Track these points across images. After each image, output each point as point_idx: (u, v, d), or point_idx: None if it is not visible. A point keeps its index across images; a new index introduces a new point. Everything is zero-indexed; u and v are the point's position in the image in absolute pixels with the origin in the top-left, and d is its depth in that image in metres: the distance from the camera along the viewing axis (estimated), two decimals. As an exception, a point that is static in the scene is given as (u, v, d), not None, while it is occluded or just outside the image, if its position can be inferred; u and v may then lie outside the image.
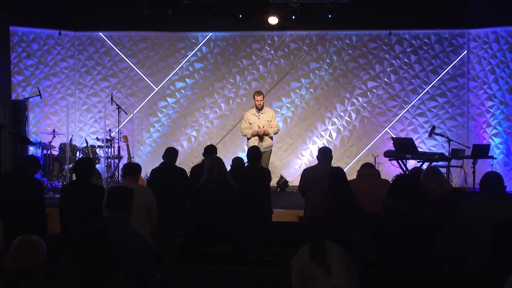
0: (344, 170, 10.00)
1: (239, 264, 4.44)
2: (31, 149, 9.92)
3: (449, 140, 9.17)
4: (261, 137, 8.63)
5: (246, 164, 6.82)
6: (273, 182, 9.34)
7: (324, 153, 6.38)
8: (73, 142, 9.97)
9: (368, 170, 5.74)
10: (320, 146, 8.58)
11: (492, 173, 4.34)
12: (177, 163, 6.88)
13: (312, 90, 10.68)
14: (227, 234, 4.68)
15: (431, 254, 3.60)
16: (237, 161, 6.79)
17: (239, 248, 4.67)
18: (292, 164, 10.68)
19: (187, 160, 10.53)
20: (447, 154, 9.06)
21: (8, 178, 5.91)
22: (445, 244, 3.82)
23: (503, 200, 4.04)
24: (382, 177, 6.16)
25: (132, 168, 5.51)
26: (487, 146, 9.47)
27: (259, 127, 8.62)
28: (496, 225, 3.76)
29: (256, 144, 8.34)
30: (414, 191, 3.83)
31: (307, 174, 6.28)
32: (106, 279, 2.87)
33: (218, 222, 4.69)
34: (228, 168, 5.70)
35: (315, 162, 6.71)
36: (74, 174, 8.18)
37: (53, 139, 9.65)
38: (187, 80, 10.80)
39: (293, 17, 10.17)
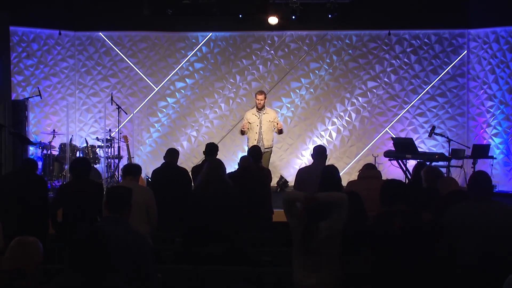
0: (344, 170, 10.16)
1: (239, 264, 4.44)
2: (31, 149, 9.91)
3: (449, 140, 9.17)
4: (261, 137, 8.62)
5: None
6: (273, 182, 9.33)
7: (319, 152, 6.33)
8: (73, 142, 9.98)
9: (369, 172, 5.66)
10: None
11: (481, 173, 4.10)
12: (177, 163, 6.87)
13: (312, 90, 10.67)
14: (224, 234, 4.67)
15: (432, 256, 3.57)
16: (244, 160, 6.75)
17: (236, 248, 4.66)
18: (292, 164, 10.68)
19: (187, 160, 10.52)
20: (447, 154, 9.05)
21: (15, 177, 5.88)
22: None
23: (489, 202, 3.87)
24: (383, 177, 6.11)
25: (132, 169, 5.49)
26: (487, 146, 9.48)
27: (257, 126, 8.61)
28: (483, 228, 3.70)
29: (255, 144, 8.33)
30: (406, 191, 3.76)
31: (302, 173, 6.24)
32: (103, 280, 2.86)
33: (214, 223, 4.68)
34: (236, 167, 5.65)
35: (315, 162, 6.69)
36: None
37: (53, 139, 9.65)
38: (187, 80, 10.79)
39: (293, 17, 10.17)
